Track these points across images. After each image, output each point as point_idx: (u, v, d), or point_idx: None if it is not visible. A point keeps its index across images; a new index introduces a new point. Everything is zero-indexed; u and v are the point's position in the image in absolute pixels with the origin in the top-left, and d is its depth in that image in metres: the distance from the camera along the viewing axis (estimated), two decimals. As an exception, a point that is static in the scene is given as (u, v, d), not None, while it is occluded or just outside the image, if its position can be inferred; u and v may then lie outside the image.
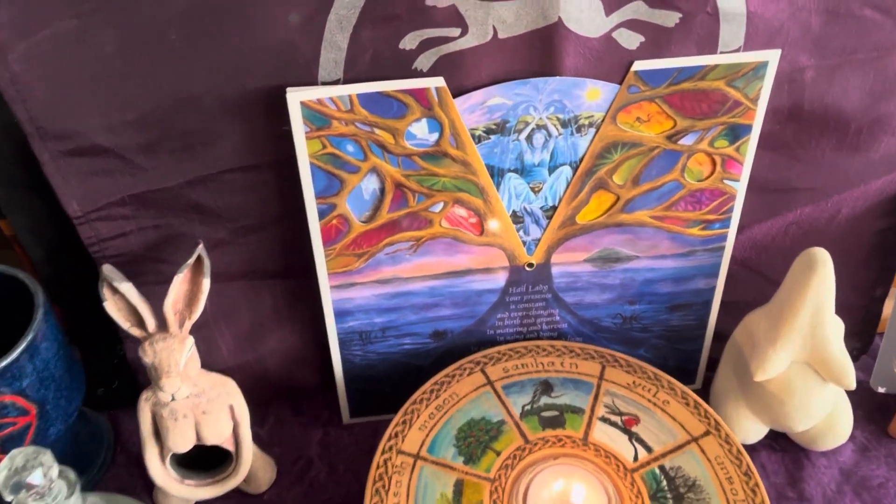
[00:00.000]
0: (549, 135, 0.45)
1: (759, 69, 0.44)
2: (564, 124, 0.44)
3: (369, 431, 0.55)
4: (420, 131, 0.44)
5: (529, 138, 0.45)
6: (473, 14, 0.40)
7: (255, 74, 0.40)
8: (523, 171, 0.46)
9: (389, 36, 0.40)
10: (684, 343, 0.56)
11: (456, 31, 0.40)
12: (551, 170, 0.46)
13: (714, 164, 0.48)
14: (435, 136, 0.44)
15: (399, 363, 0.53)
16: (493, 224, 0.48)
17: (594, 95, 0.44)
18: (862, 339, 0.59)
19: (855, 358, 0.60)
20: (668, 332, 0.55)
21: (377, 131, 0.43)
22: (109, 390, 0.56)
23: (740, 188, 0.49)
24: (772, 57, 0.44)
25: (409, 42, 0.40)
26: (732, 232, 0.51)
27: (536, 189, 0.47)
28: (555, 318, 0.53)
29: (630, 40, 0.42)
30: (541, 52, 0.41)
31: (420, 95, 0.42)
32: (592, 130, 0.45)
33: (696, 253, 0.51)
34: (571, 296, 0.52)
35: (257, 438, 0.52)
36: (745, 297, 0.54)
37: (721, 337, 0.55)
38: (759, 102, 0.45)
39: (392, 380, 0.54)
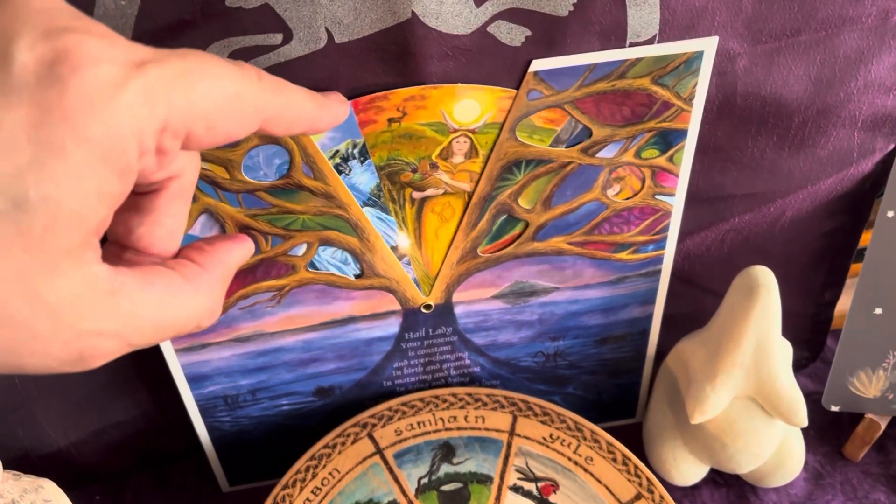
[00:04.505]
0: None
1: (692, 61, 0.35)
2: None
3: (252, 500, 0.47)
4: (262, 162, 0.34)
5: None
6: (296, 14, 0.29)
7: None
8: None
9: (187, 47, 0.29)
10: (620, 377, 0.48)
11: (277, 38, 0.30)
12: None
13: (643, 177, 0.39)
14: (283, 166, 0.34)
15: (279, 426, 0.44)
16: (375, 264, 0.39)
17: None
18: (811, 348, 0.51)
19: (804, 366, 0.53)
20: (599, 367, 0.47)
21: (204, 165, 0.33)
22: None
23: (676, 203, 0.40)
24: (708, 46, 0.34)
25: (217, 54, 0.30)
26: (670, 254, 0.42)
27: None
28: (464, 361, 0.44)
29: (512, 35, 0.32)
30: (396, 57, 0.31)
31: (253, 117, 0.32)
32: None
33: (627, 279, 0.42)
34: (482, 336, 0.43)
35: (113, 525, 0.44)
36: (681, 309, 0.46)
37: (662, 359, 0.47)
38: (695, 102, 0.36)
39: (272, 444, 0.45)
